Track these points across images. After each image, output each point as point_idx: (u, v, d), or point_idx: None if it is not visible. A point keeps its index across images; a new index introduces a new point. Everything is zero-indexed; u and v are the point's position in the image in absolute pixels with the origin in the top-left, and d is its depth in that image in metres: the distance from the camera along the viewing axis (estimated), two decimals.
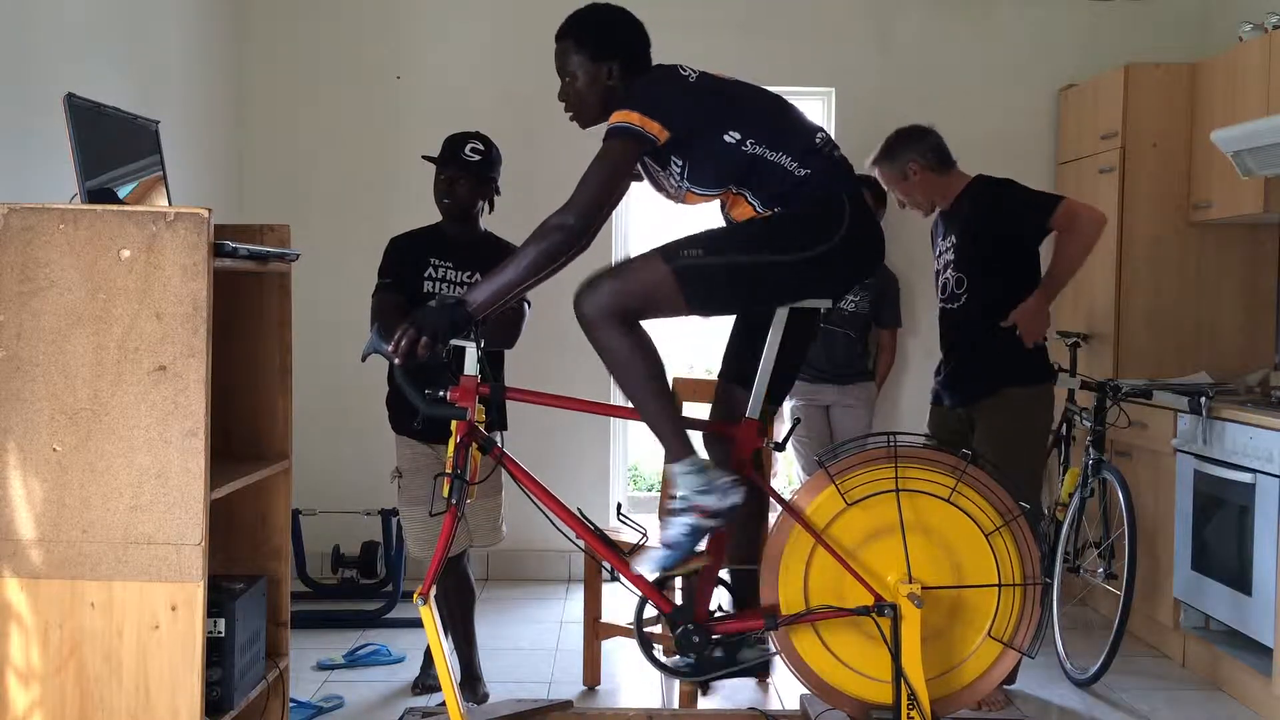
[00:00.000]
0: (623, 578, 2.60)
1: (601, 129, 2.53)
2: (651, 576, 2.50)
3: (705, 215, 2.71)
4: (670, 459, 2.49)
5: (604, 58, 2.57)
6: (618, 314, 2.41)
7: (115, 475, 2.29)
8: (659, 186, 2.65)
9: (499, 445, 2.58)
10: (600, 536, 2.57)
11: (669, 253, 2.44)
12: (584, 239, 2.44)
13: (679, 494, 2.45)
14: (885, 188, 3.83)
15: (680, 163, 2.53)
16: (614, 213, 2.91)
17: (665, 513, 2.60)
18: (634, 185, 2.80)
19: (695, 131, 2.49)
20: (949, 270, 3.68)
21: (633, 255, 2.50)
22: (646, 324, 2.49)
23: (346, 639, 4.29)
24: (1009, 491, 2.67)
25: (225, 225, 2.60)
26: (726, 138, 2.49)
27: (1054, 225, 3.55)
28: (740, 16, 5.17)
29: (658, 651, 2.65)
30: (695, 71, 2.57)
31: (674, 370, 2.74)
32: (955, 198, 3.69)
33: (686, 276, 2.42)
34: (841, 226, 2.47)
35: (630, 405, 2.51)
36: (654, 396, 2.46)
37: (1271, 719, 3.58)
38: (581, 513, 2.57)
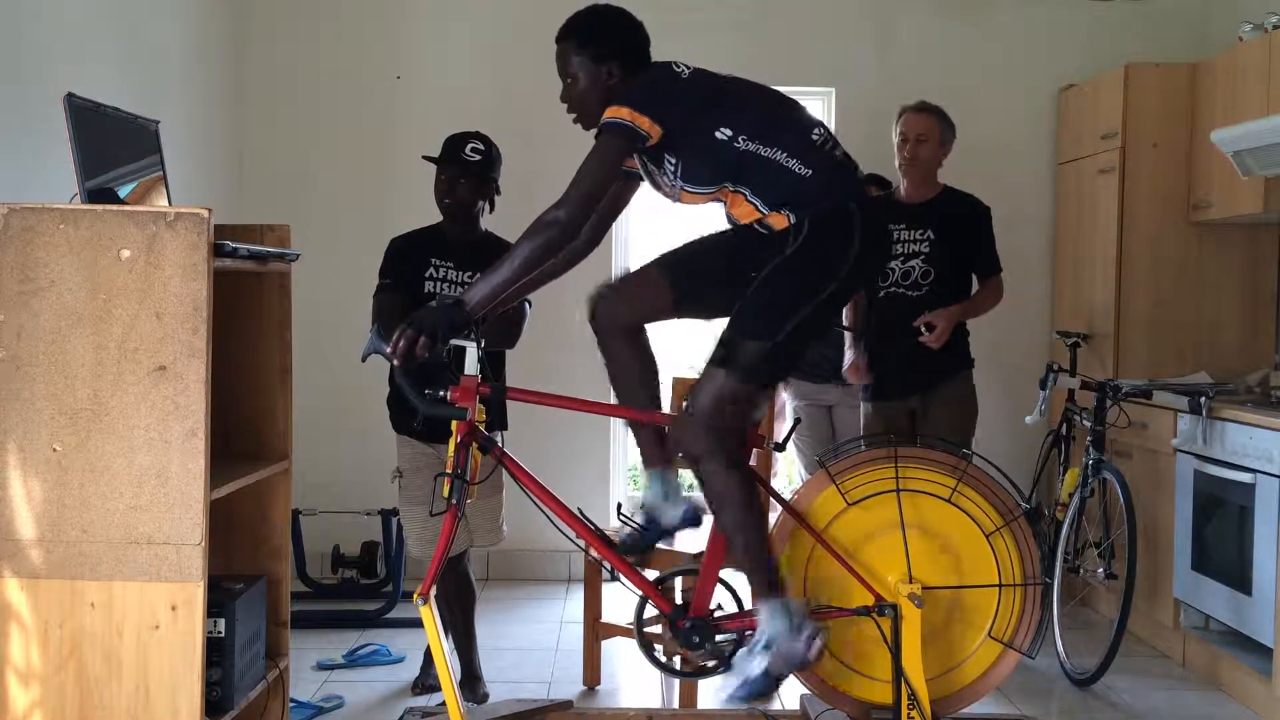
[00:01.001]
0: (623, 577, 2.60)
1: None
2: (723, 703, 2.54)
3: (706, 216, 2.71)
4: (760, 596, 2.52)
5: (605, 58, 2.57)
6: (717, 437, 2.47)
7: (115, 475, 2.29)
8: (656, 186, 2.66)
9: (499, 445, 2.58)
10: (600, 536, 2.58)
11: (730, 360, 2.46)
12: (576, 233, 2.46)
13: (763, 633, 2.48)
14: (913, 130, 3.94)
15: (674, 161, 2.53)
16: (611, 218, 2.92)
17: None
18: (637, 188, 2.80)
19: (687, 128, 2.49)
20: (916, 260, 3.87)
21: (701, 386, 2.49)
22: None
23: (346, 639, 4.29)
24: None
25: (225, 225, 2.60)
26: (718, 134, 2.48)
27: (988, 277, 3.98)
28: (740, 17, 5.17)
29: (658, 651, 2.65)
30: (689, 68, 2.57)
31: (674, 370, 2.75)
32: (932, 198, 3.96)
33: (761, 377, 2.49)
34: (855, 240, 2.48)
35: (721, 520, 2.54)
36: (752, 527, 2.50)
37: (1271, 719, 3.58)
38: (581, 513, 2.58)
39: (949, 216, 3.91)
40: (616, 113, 2.46)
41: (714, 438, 2.46)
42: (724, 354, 2.47)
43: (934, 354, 3.84)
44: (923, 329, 3.78)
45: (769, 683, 2.46)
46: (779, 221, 2.49)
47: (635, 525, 2.73)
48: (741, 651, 2.53)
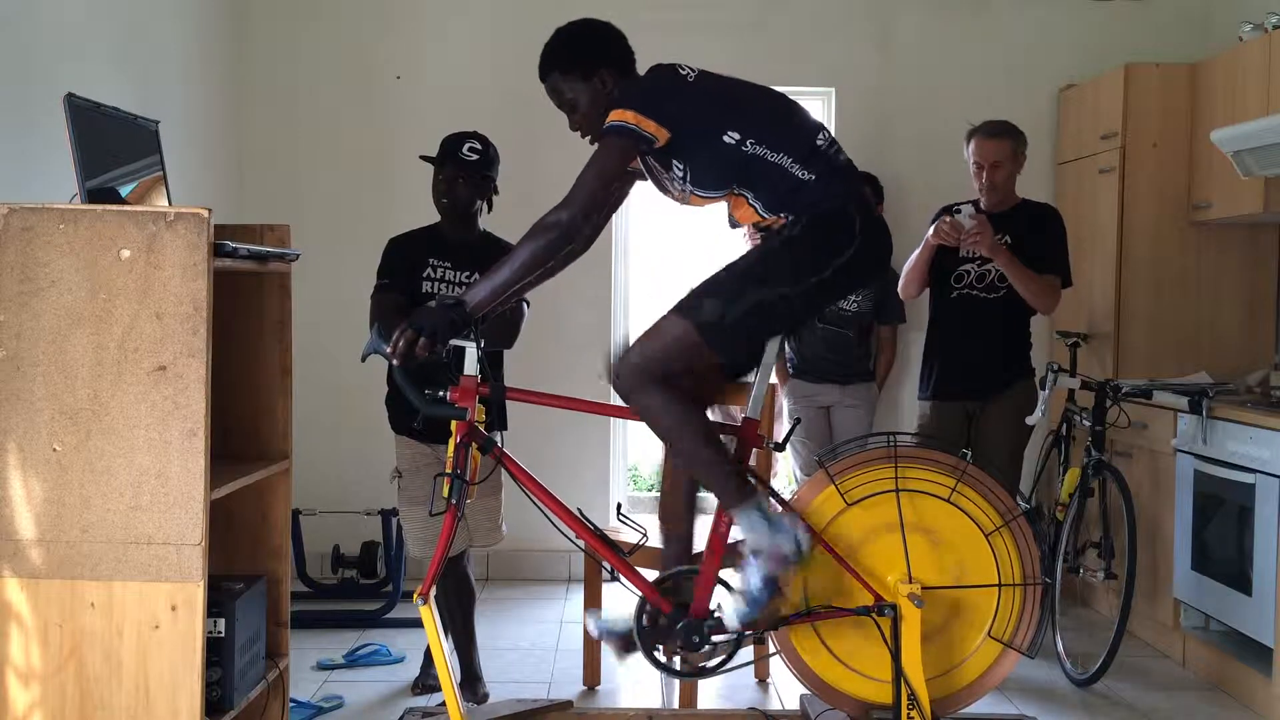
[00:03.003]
0: (623, 578, 2.60)
1: None
2: (736, 629, 2.49)
3: (711, 215, 2.71)
4: (729, 506, 2.49)
5: (594, 71, 2.57)
6: (650, 375, 2.42)
7: (115, 475, 2.29)
8: (663, 189, 2.65)
9: (499, 445, 2.58)
10: (600, 536, 2.57)
11: (687, 308, 2.44)
12: (579, 236, 2.45)
13: (747, 542, 2.46)
14: (987, 157, 3.97)
15: (682, 166, 2.52)
16: (614, 215, 2.93)
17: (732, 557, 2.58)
18: (636, 186, 2.80)
19: (694, 132, 2.48)
20: (993, 264, 3.89)
21: (653, 326, 2.48)
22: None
23: (346, 639, 4.29)
24: (1009, 488, 2.68)
25: (225, 225, 2.60)
26: (726, 138, 2.48)
27: (1048, 274, 3.94)
28: (740, 17, 5.17)
29: (658, 652, 2.65)
30: (695, 71, 2.56)
31: None
32: (1011, 208, 4.01)
33: (708, 329, 2.43)
34: (853, 241, 2.47)
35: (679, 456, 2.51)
36: (701, 446, 2.47)
37: (1271, 719, 3.58)
38: (581, 513, 2.57)
39: (1025, 223, 3.97)
40: (621, 116, 2.45)
41: (649, 379, 2.42)
42: (686, 302, 2.45)
43: (997, 359, 3.96)
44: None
45: (773, 590, 2.44)
46: (778, 224, 2.49)
47: (635, 525, 2.73)
48: (740, 578, 2.50)
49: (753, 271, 2.47)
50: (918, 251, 4.00)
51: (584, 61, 2.57)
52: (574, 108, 2.60)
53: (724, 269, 2.51)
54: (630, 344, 2.48)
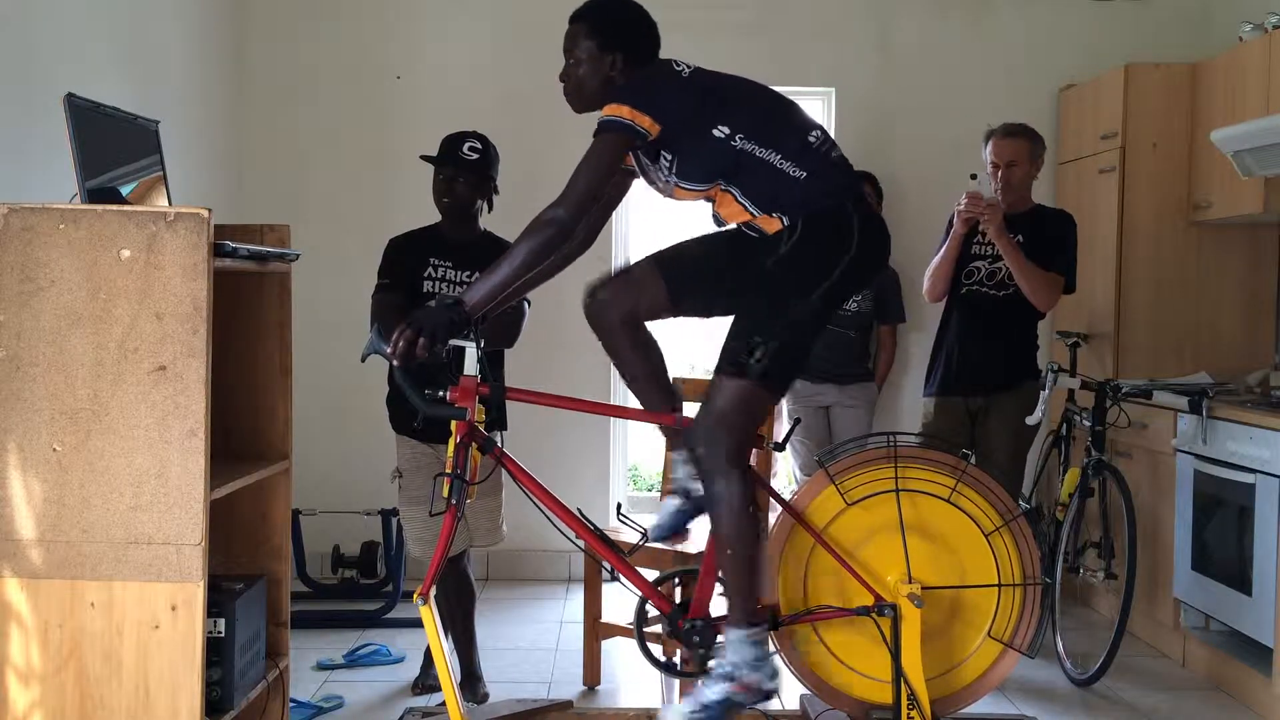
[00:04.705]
0: (623, 578, 2.60)
1: (594, 119, 2.53)
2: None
3: (706, 213, 2.71)
4: (734, 621, 2.48)
5: (611, 48, 2.58)
6: (736, 452, 2.45)
7: (115, 475, 2.29)
8: (651, 181, 2.66)
9: (499, 445, 2.58)
10: (600, 536, 2.58)
11: (736, 366, 2.45)
12: (576, 232, 2.46)
13: (727, 660, 2.46)
14: (1003, 157, 3.98)
15: (669, 157, 2.53)
16: (614, 214, 2.93)
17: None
18: (635, 183, 2.80)
19: (685, 125, 2.49)
20: (1004, 262, 3.90)
21: (712, 394, 2.48)
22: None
23: (346, 639, 4.29)
24: (1009, 489, 2.68)
25: (225, 225, 2.60)
26: (715, 132, 2.49)
27: (1052, 274, 3.92)
28: (741, 17, 5.17)
29: (657, 651, 2.65)
30: (689, 67, 2.58)
31: (674, 370, 2.74)
32: (1025, 211, 4.01)
33: (767, 378, 2.46)
34: (852, 241, 2.48)
35: (720, 544, 2.50)
36: (749, 550, 2.48)
37: (1271, 719, 3.58)
38: (581, 513, 2.57)
39: (1038, 225, 3.97)
40: (616, 110, 2.46)
41: (729, 448, 2.43)
42: (731, 363, 2.46)
43: (1003, 358, 3.97)
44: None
45: (724, 712, 2.44)
46: (771, 225, 2.48)
47: (635, 525, 2.73)
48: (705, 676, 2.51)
49: (774, 301, 2.47)
50: (944, 248, 3.98)
51: (611, 35, 2.59)
52: (576, 62, 2.62)
53: (744, 313, 2.51)
54: (700, 416, 2.48)
